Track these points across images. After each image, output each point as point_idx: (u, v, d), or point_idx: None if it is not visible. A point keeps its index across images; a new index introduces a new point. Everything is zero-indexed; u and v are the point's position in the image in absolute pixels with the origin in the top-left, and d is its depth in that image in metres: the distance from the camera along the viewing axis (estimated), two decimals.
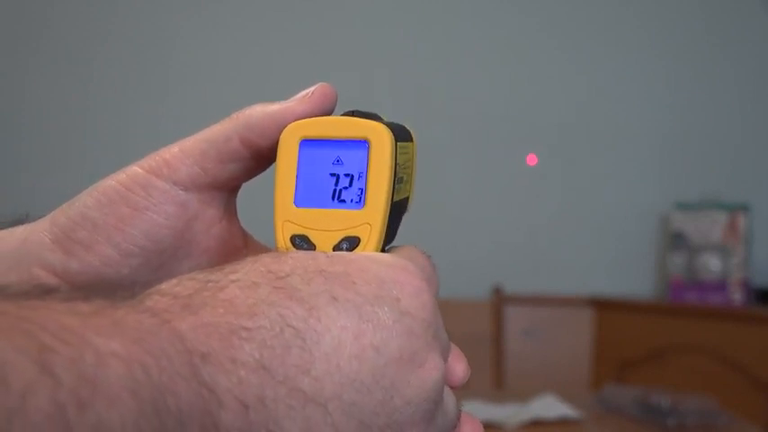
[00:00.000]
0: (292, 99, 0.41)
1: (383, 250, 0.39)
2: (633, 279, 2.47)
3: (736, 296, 2.25)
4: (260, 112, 0.41)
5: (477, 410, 1.62)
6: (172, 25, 2.41)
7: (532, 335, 2.38)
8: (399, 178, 0.40)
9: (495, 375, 2.35)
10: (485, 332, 2.36)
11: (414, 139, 0.42)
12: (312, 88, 0.41)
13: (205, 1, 2.43)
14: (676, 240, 2.33)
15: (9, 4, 2.37)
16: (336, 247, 0.38)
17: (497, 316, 2.37)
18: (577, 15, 2.49)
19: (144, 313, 0.29)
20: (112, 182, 0.40)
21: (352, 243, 0.38)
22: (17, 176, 2.29)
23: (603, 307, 2.37)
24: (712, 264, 2.28)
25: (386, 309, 0.33)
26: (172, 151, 0.41)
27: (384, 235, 0.39)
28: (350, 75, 2.43)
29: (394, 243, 0.41)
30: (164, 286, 0.31)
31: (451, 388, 0.37)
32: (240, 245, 0.43)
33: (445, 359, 0.36)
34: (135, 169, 0.40)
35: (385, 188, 0.38)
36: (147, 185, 0.40)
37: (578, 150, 2.48)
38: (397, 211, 0.40)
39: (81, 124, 2.36)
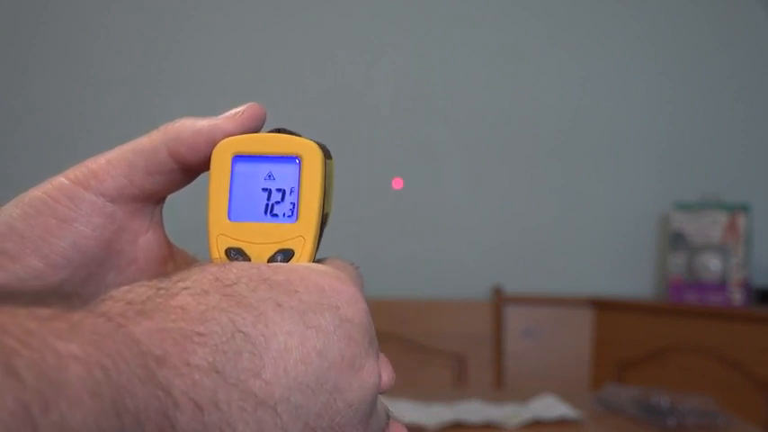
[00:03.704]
0: (222, 116, 0.42)
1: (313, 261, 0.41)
2: (633, 279, 2.47)
3: (736, 296, 2.25)
4: (189, 127, 0.41)
5: (477, 410, 1.62)
6: (173, 26, 2.41)
7: (532, 335, 2.38)
8: (325, 194, 0.41)
9: (495, 375, 2.35)
10: (485, 332, 2.36)
11: (332, 157, 0.43)
12: (242, 107, 0.42)
13: (205, 0, 2.43)
14: (676, 240, 2.34)
15: (9, 5, 2.37)
16: (271, 259, 0.40)
17: (497, 316, 2.37)
18: (576, 17, 2.49)
19: (100, 317, 0.29)
20: (39, 193, 0.40)
21: (286, 255, 0.40)
22: (16, 176, 2.29)
23: (603, 307, 2.37)
24: (712, 264, 2.28)
25: (327, 316, 0.35)
26: (98, 162, 0.41)
27: (316, 249, 0.41)
28: (350, 76, 2.43)
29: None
30: (115, 293, 0.32)
31: (378, 393, 0.38)
32: (166, 255, 0.44)
33: None
34: (61, 180, 0.41)
35: (317, 203, 0.40)
36: (74, 197, 0.40)
37: (578, 150, 2.48)
38: (322, 223, 0.41)
39: (80, 124, 2.36)
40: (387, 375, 0.38)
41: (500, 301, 2.38)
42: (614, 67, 2.49)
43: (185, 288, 0.33)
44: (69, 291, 0.40)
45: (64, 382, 0.25)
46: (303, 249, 0.40)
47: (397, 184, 2.39)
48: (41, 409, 0.24)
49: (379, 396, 0.38)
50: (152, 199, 0.42)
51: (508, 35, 2.48)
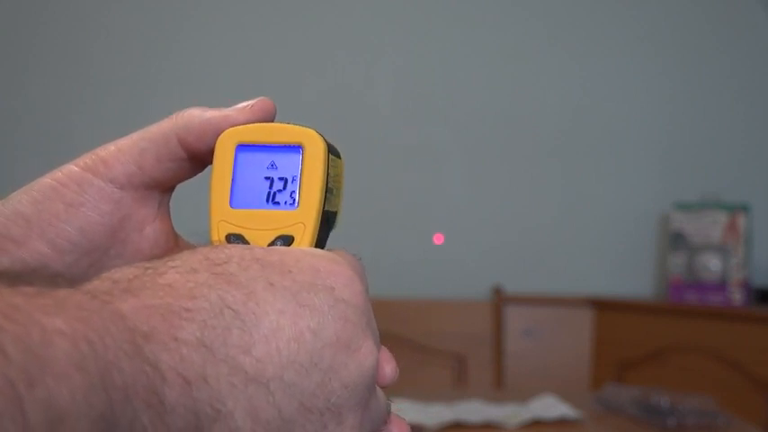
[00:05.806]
0: (232, 108, 0.42)
1: None
2: (633, 279, 2.47)
3: (737, 296, 2.25)
4: (198, 116, 0.41)
5: (477, 410, 1.62)
6: (173, 26, 2.41)
7: (532, 335, 2.38)
8: (329, 189, 0.41)
9: (495, 375, 2.35)
10: (485, 332, 2.36)
11: (342, 158, 0.43)
12: (253, 101, 0.42)
13: (205, 0, 2.43)
14: (676, 240, 2.34)
15: (9, 5, 2.37)
16: (271, 245, 0.39)
17: (497, 316, 2.37)
18: (576, 17, 2.49)
19: (85, 295, 0.29)
20: (47, 179, 0.41)
21: (286, 241, 0.40)
22: (16, 176, 2.29)
23: (603, 307, 2.37)
24: (712, 264, 2.28)
25: (321, 295, 0.34)
26: (108, 149, 0.42)
27: (316, 236, 0.40)
28: (350, 76, 2.43)
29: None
30: (103, 274, 0.32)
31: (380, 387, 0.38)
32: (172, 245, 0.44)
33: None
34: (71, 167, 0.41)
35: (318, 190, 0.40)
36: (82, 182, 0.41)
37: (578, 150, 2.48)
38: (327, 220, 0.41)
39: (80, 124, 2.36)
40: (390, 368, 0.38)
41: (500, 301, 2.38)
42: (614, 67, 2.49)
43: (173, 267, 0.33)
44: (55, 271, 0.39)
45: (50, 358, 0.25)
46: (303, 236, 0.40)
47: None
48: (27, 385, 0.24)
49: (380, 390, 0.38)
50: (161, 187, 0.43)
51: (508, 35, 2.48)
